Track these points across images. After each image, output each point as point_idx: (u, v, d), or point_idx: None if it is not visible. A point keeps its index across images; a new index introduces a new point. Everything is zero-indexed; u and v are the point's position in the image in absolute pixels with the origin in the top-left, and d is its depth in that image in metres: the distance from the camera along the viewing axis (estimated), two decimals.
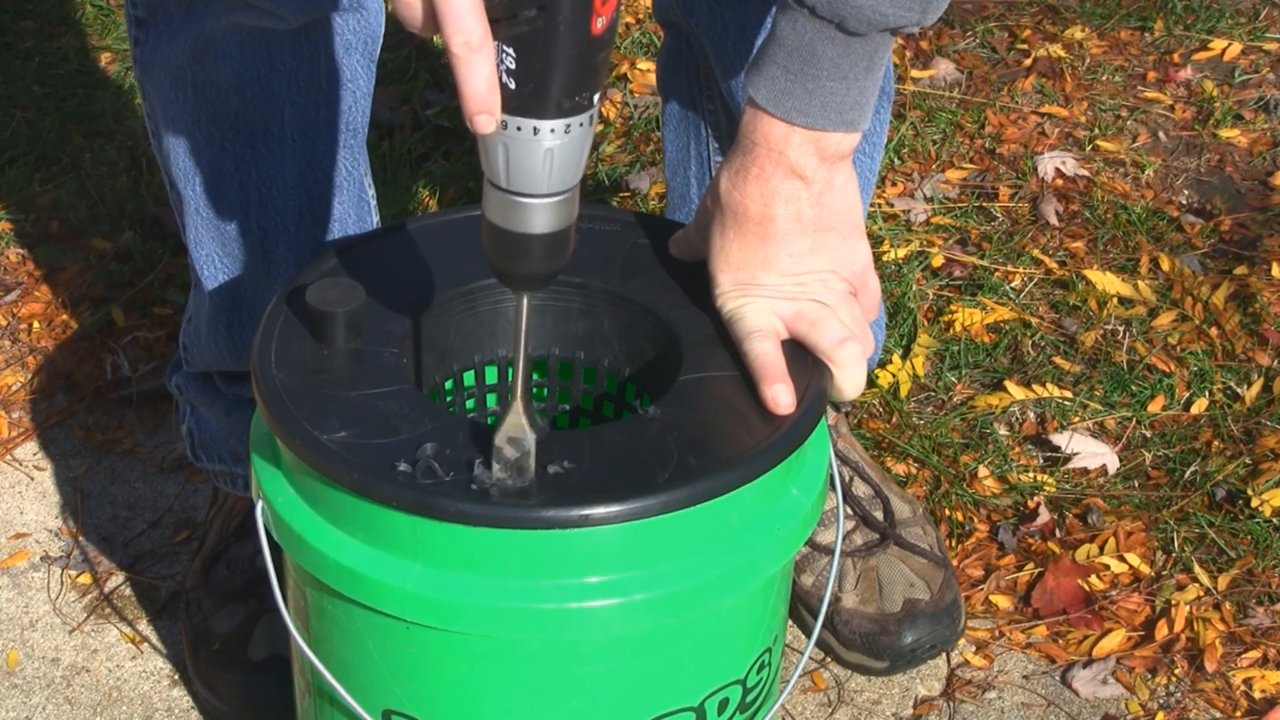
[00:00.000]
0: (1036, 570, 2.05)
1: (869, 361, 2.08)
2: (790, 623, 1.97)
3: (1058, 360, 2.33)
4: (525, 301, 1.33)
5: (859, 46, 1.39)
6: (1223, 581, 2.03)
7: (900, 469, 2.17)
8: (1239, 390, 2.28)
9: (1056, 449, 2.20)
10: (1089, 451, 2.19)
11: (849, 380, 1.44)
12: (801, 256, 1.44)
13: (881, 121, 1.88)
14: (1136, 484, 2.17)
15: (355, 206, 1.81)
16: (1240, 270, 2.47)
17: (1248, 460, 2.17)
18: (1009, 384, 2.28)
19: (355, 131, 1.77)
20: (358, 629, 1.40)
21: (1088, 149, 2.72)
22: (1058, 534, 2.09)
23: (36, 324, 2.39)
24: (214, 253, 1.81)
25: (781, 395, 1.39)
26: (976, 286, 2.45)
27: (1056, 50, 2.93)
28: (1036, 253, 2.50)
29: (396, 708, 1.43)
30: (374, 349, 1.44)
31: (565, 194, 1.28)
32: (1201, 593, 2.02)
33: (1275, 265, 2.47)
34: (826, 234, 1.45)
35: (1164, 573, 2.05)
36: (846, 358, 1.43)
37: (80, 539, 2.09)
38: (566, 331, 1.55)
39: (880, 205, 2.58)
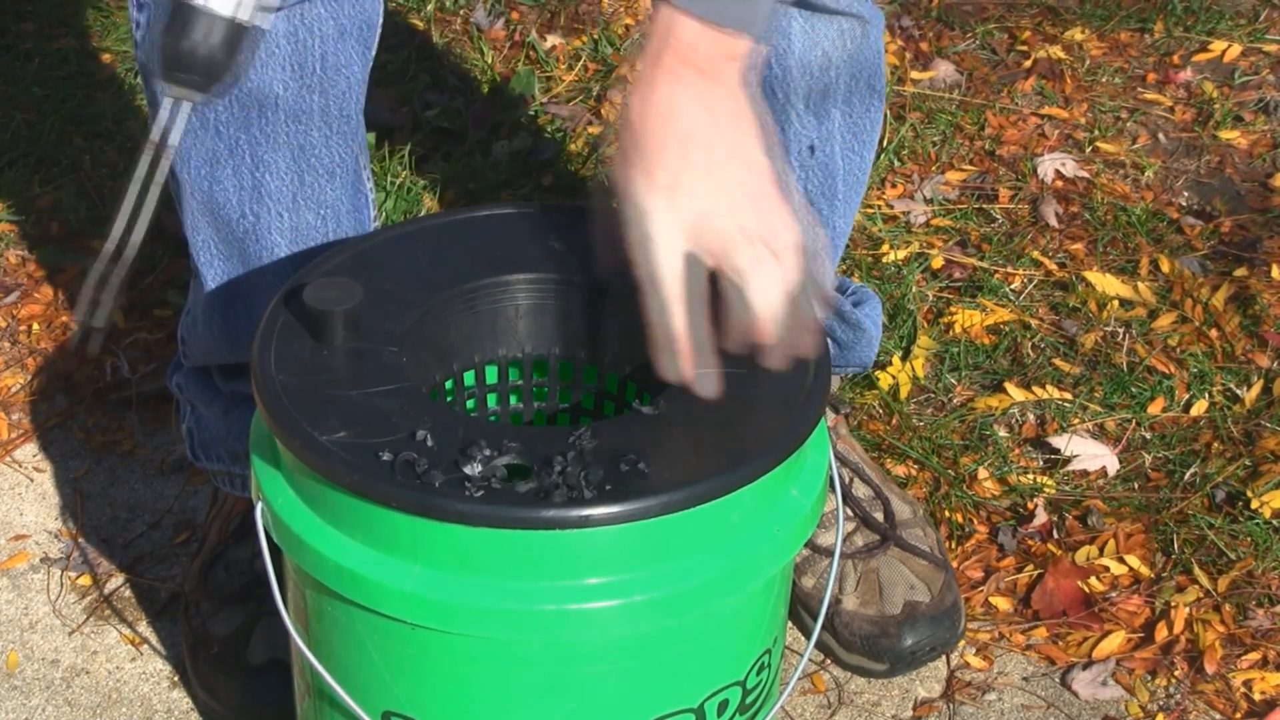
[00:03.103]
0: (1036, 572, 2.05)
1: (865, 360, 2.08)
2: (790, 625, 1.97)
3: (1057, 362, 2.33)
4: (169, 107, 1.38)
5: None
6: (1222, 583, 2.03)
7: (900, 470, 2.16)
8: (1239, 392, 2.28)
9: (1056, 451, 2.19)
10: (1089, 453, 2.18)
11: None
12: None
13: (873, 120, 1.88)
14: (1136, 486, 2.16)
15: (350, 196, 1.80)
16: (1240, 272, 2.46)
17: (1248, 462, 2.17)
18: (1009, 386, 2.28)
19: (349, 118, 1.76)
20: (358, 630, 1.40)
21: (1088, 150, 2.72)
22: (1057, 536, 2.09)
23: (36, 325, 2.39)
24: (209, 239, 1.81)
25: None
26: (976, 288, 2.44)
27: (1056, 52, 2.93)
28: (1036, 254, 2.50)
29: (396, 709, 1.42)
30: (373, 348, 1.44)
31: None
32: (1201, 594, 2.02)
33: (1275, 267, 2.47)
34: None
35: (1164, 574, 2.05)
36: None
37: (80, 540, 2.09)
38: (566, 331, 1.55)
39: (880, 206, 2.58)
